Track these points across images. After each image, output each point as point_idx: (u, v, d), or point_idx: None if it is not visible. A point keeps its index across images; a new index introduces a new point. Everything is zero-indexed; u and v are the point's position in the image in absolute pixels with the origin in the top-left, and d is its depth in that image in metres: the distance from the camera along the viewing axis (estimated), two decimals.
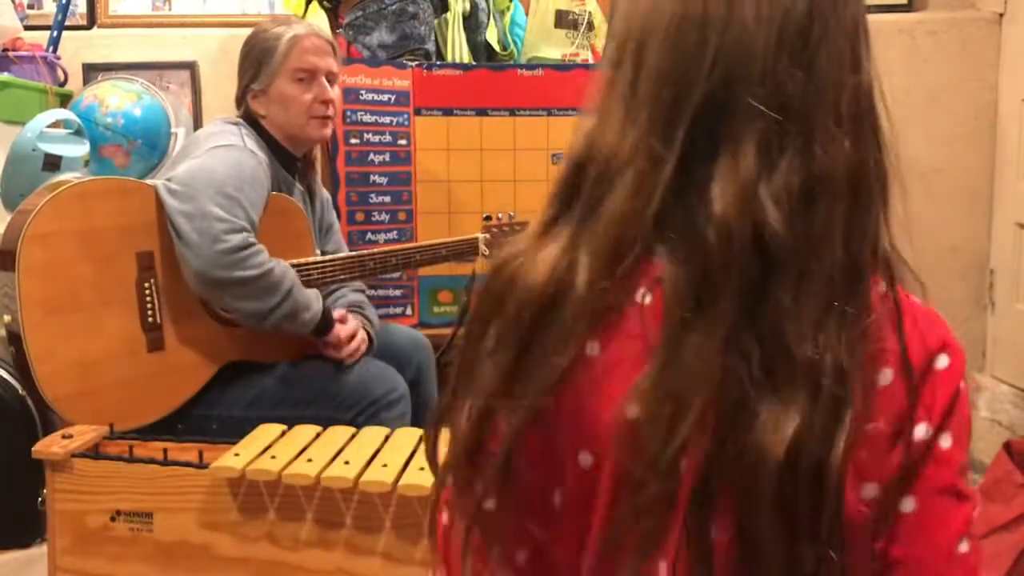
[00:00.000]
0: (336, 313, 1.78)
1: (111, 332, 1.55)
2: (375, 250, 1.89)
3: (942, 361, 0.59)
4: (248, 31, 2.77)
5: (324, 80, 1.80)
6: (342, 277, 1.83)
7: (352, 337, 1.76)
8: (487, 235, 2.07)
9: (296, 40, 1.77)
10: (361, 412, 1.69)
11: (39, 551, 2.09)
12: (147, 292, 1.59)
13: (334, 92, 1.82)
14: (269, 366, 1.74)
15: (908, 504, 0.58)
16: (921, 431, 0.58)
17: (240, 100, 1.83)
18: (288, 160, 1.84)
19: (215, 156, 1.63)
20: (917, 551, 0.58)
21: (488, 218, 2.12)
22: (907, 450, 0.57)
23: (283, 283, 1.61)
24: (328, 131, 1.87)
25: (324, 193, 2.01)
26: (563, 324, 0.60)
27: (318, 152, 2.04)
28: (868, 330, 0.57)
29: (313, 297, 1.69)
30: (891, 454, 0.57)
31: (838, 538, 0.55)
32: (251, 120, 1.81)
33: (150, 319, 1.60)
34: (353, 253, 1.86)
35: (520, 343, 0.61)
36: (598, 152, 0.63)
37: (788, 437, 0.54)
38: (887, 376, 0.57)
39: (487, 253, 2.08)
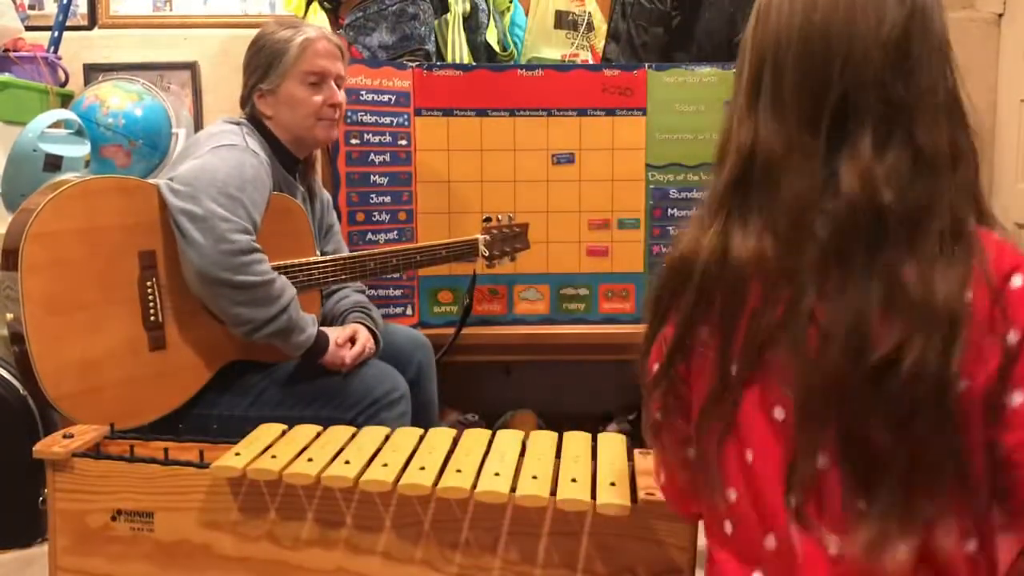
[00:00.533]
0: (348, 329, 1.78)
1: (113, 331, 1.56)
2: (375, 251, 1.89)
3: (1016, 280, 0.74)
4: (249, 31, 2.76)
5: (333, 83, 1.81)
6: (343, 277, 1.83)
7: (356, 355, 1.76)
8: (487, 236, 2.08)
9: (308, 43, 1.78)
10: (362, 412, 1.69)
11: (40, 551, 2.09)
12: (149, 291, 1.60)
13: (341, 95, 1.83)
14: (270, 366, 1.74)
15: (1017, 398, 0.73)
16: (1013, 337, 0.73)
17: (246, 100, 1.83)
18: (290, 161, 1.85)
19: (217, 156, 1.63)
20: None
21: (488, 219, 2.12)
22: (1002, 353, 0.73)
23: (282, 297, 1.61)
24: (334, 133, 1.88)
25: (324, 194, 2.01)
26: (760, 288, 0.80)
27: (318, 153, 2.04)
28: (966, 264, 0.74)
29: (309, 321, 1.69)
30: (987, 358, 0.73)
31: (952, 429, 0.72)
32: (255, 121, 1.81)
33: (152, 318, 1.60)
34: (354, 253, 1.87)
35: (734, 305, 0.81)
36: (760, 150, 0.80)
37: (890, 348, 0.72)
38: (970, 295, 0.73)
39: (487, 254, 2.08)
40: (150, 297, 1.60)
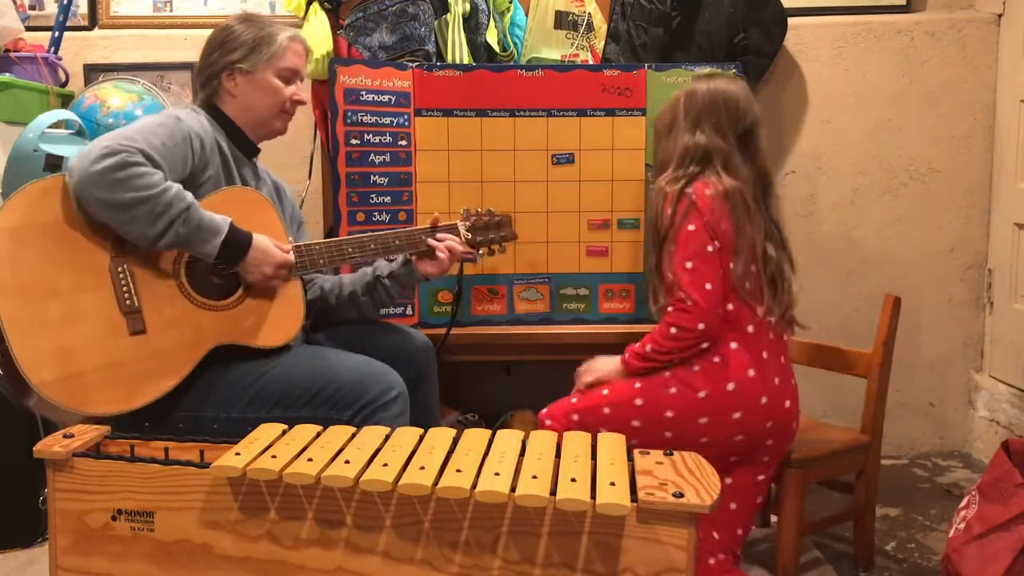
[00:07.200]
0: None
1: (90, 316, 1.57)
2: (352, 237, 1.86)
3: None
4: None
5: (298, 82, 1.88)
6: (320, 262, 1.81)
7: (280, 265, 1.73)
8: (467, 223, 2.01)
9: (291, 42, 1.86)
10: (358, 412, 1.68)
11: (40, 550, 2.10)
12: (121, 276, 1.61)
13: (304, 94, 1.91)
14: (265, 365, 1.73)
15: None
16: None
17: (208, 80, 1.84)
18: (249, 148, 1.88)
19: (137, 121, 1.69)
20: None
21: (465, 211, 2.06)
22: None
23: (169, 211, 1.57)
24: (287, 127, 1.92)
25: (285, 186, 2.04)
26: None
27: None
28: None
29: (216, 229, 1.63)
30: None
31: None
32: (211, 107, 1.84)
33: (127, 302, 1.61)
34: (329, 240, 1.84)
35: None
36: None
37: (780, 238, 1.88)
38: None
39: (470, 237, 2.01)
40: (123, 282, 1.61)
